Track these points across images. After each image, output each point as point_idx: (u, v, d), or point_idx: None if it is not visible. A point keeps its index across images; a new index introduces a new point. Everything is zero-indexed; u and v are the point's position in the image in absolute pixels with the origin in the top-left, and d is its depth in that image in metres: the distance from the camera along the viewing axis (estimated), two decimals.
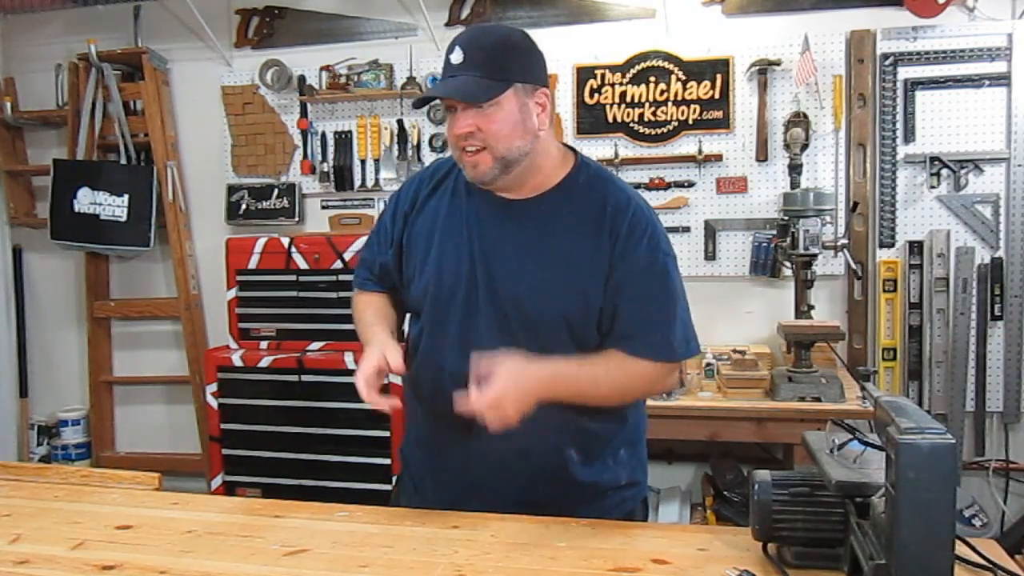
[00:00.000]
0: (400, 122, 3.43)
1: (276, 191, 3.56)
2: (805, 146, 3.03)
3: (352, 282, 1.67)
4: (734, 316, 3.21)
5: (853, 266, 2.97)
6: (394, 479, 2.97)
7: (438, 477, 1.56)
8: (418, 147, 3.42)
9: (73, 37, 3.66)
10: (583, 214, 1.46)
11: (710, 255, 3.20)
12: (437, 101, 1.64)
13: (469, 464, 1.50)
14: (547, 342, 1.43)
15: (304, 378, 3.11)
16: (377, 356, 1.42)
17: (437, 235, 1.51)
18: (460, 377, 1.42)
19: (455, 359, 1.46)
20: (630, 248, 1.44)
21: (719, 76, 3.14)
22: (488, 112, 1.38)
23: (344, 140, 3.49)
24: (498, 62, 1.39)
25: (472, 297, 1.46)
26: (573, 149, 1.55)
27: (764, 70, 3.09)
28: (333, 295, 3.16)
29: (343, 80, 3.40)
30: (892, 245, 3.09)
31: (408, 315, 1.63)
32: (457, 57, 1.39)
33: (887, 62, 3.03)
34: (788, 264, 2.94)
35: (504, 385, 1.29)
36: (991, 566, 1.13)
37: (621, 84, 3.22)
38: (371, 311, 1.59)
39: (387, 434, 3.00)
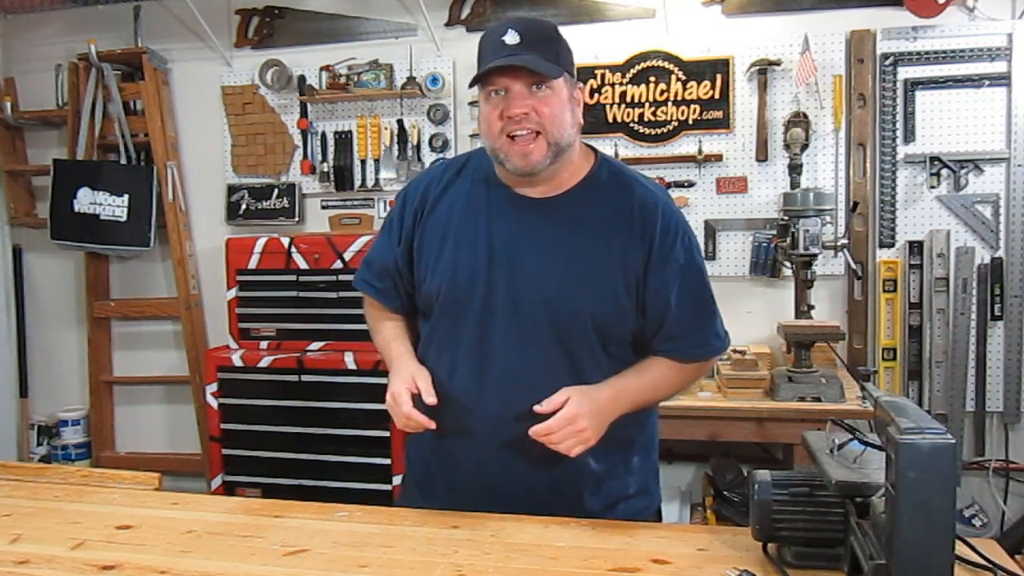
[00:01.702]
0: (400, 122, 3.43)
1: (276, 191, 3.56)
2: (805, 146, 3.03)
3: (354, 281, 1.63)
4: (734, 316, 3.15)
5: (853, 266, 2.97)
6: (396, 479, 2.99)
7: (449, 484, 1.52)
8: (418, 147, 3.42)
9: (73, 37, 3.66)
10: (610, 213, 1.43)
11: (710, 255, 3.20)
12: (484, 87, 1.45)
13: (481, 472, 1.47)
14: (571, 346, 1.41)
15: (304, 378, 3.11)
16: (407, 382, 1.41)
17: (452, 233, 1.47)
18: (473, 382, 1.43)
19: (469, 362, 1.43)
20: (666, 249, 1.42)
21: (719, 76, 3.14)
22: (544, 96, 1.36)
23: (344, 140, 3.49)
24: (554, 48, 1.39)
25: (490, 299, 1.42)
26: (591, 146, 1.53)
27: (764, 70, 3.09)
28: (333, 295, 3.16)
29: (343, 80, 3.40)
30: (892, 245, 3.09)
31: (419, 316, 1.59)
32: (513, 38, 1.36)
33: (887, 62, 3.03)
34: (788, 264, 2.94)
35: (576, 411, 1.31)
36: (991, 566, 1.13)
37: (621, 84, 3.22)
38: (390, 325, 1.58)
39: (387, 434, 3.00)
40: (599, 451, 1.42)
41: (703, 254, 3.10)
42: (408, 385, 1.40)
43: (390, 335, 1.56)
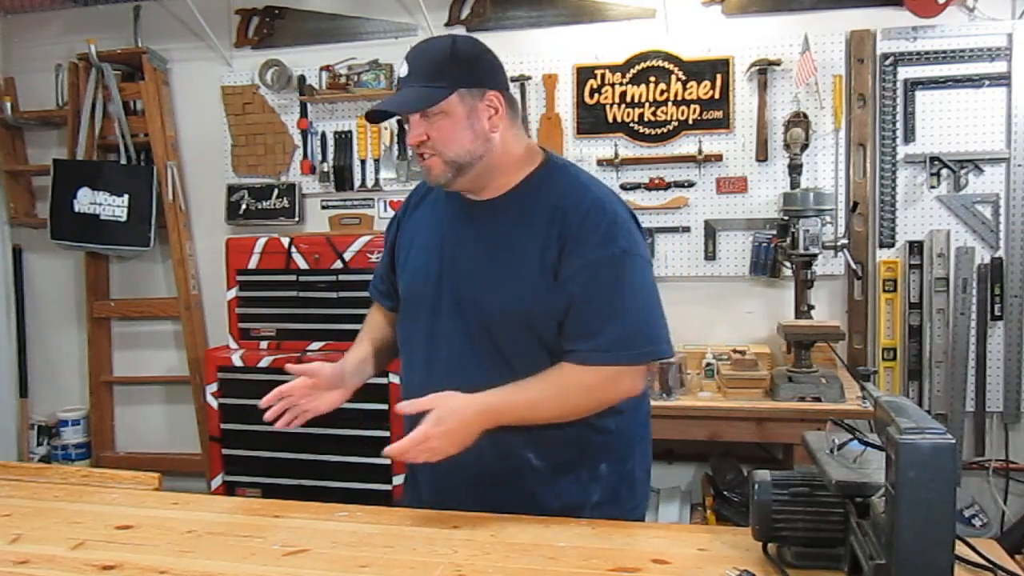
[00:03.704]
0: (400, 122, 3.43)
1: (276, 191, 3.56)
2: (805, 146, 3.03)
3: (369, 290, 1.78)
4: (734, 316, 3.21)
5: (853, 266, 2.97)
6: (396, 479, 2.99)
7: (422, 479, 1.60)
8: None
9: (73, 37, 3.66)
10: (536, 211, 1.46)
11: (710, 255, 3.20)
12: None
13: (437, 464, 1.49)
14: (507, 342, 1.45)
15: None
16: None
17: (418, 238, 1.58)
18: (424, 374, 1.50)
19: (421, 356, 1.52)
20: (579, 244, 1.41)
21: (719, 76, 3.14)
22: (434, 120, 1.43)
23: (344, 140, 3.49)
24: (440, 70, 1.43)
25: (437, 298, 1.50)
26: (544, 149, 1.56)
27: (764, 70, 3.09)
28: (333, 295, 3.16)
29: (343, 80, 3.40)
30: (892, 245, 3.09)
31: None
32: (404, 71, 1.45)
33: (887, 62, 3.03)
34: (788, 264, 2.94)
35: (429, 431, 1.33)
36: (991, 566, 1.13)
37: (621, 84, 3.22)
38: (365, 329, 1.71)
39: (387, 434, 3.00)
40: (540, 448, 1.47)
41: (696, 258, 3.18)
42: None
43: (359, 337, 1.70)
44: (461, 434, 1.36)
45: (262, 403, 1.52)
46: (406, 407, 1.38)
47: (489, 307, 1.45)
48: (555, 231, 1.43)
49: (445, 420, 1.35)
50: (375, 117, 1.51)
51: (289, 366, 1.58)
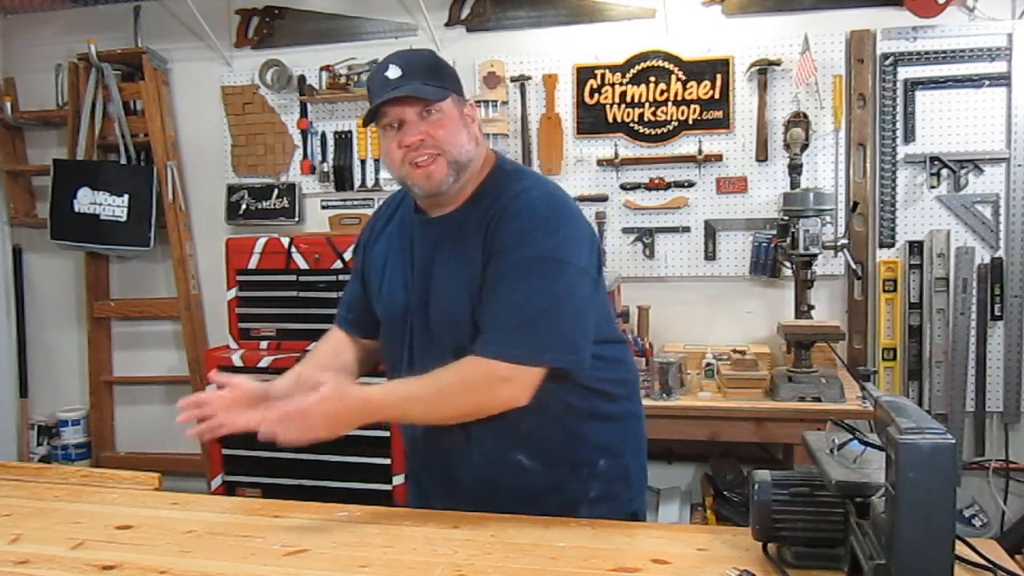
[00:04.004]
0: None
1: (276, 191, 3.56)
2: (805, 146, 3.02)
3: (335, 320, 1.75)
4: (734, 316, 3.21)
5: (853, 266, 2.97)
6: (396, 479, 3.00)
7: (424, 484, 1.61)
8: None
9: (73, 37, 3.65)
10: (481, 216, 1.45)
11: (710, 255, 3.20)
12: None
13: (432, 473, 1.56)
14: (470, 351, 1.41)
15: None
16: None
17: (388, 262, 1.57)
18: None
19: (405, 376, 1.49)
20: (499, 249, 1.39)
21: (719, 76, 3.14)
22: (435, 119, 1.42)
23: (344, 140, 3.49)
24: (435, 73, 1.45)
25: (413, 318, 1.50)
26: (497, 154, 1.56)
27: (764, 70, 3.09)
28: (333, 295, 3.15)
29: (343, 80, 3.40)
30: (892, 245, 3.09)
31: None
32: (394, 72, 1.42)
33: (887, 62, 3.03)
34: (788, 264, 2.94)
35: (297, 409, 1.31)
36: (991, 566, 1.13)
37: (621, 84, 3.21)
38: (313, 355, 1.67)
39: (387, 434, 3.00)
40: (530, 448, 1.47)
41: (696, 258, 3.19)
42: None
43: (306, 360, 1.65)
44: (340, 418, 1.34)
45: (180, 403, 1.44)
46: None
47: (451, 323, 1.45)
48: (481, 241, 1.43)
49: (329, 396, 1.32)
50: (373, 117, 1.46)
51: (212, 374, 1.49)
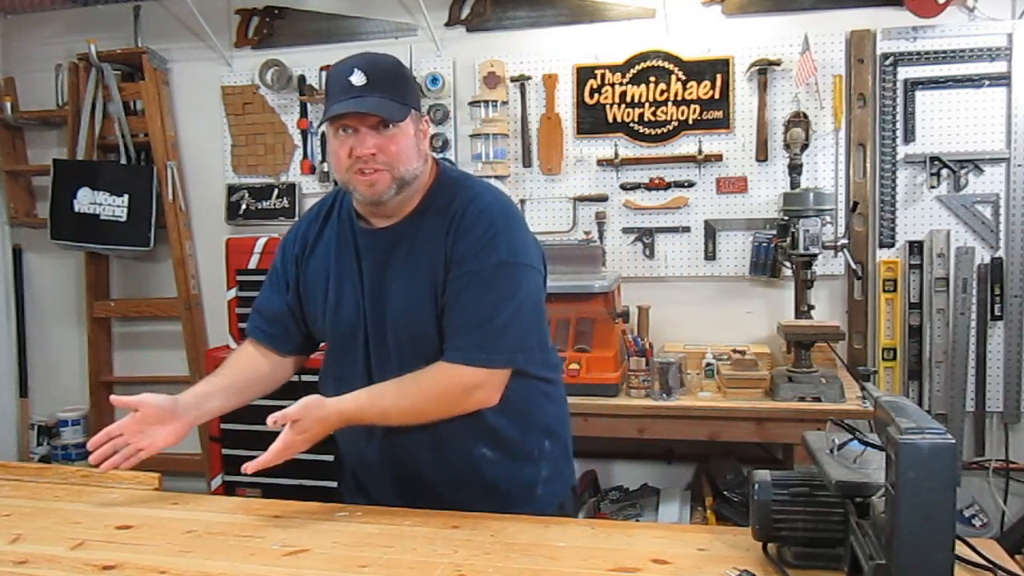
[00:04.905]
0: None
1: (276, 191, 3.56)
2: (805, 146, 3.02)
3: (246, 330, 1.68)
4: (734, 316, 3.20)
5: (853, 266, 2.97)
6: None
7: (362, 475, 1.63)
8: None
9: (73, 37, 3.65)
10: (436, 224, 1.46)
11: (710, 255, 3.20)
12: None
13: (383, 465, 1.55)
14: (430, 361, 1.43)
15: (304, 378, 3.09)
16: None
17: (332, 272, 1.54)
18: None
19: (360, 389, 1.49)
20: (460, 258, 1.42)
21: (719, 76, 3.14)
22: (391, 135, 1.41)
23: None
24: (399, 87, 1.43)
25: (368, 330, 1.49)
26: (437, 161, 1.56)
27: (764, 70, 3.09)
28: None
29: None
30: (892, 245, 3.09)
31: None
32: (359, 79, 1.39)
33: (887, 62, 3.03)
34: (788, 264, 2.94)
35: (292, 439, 1.37)
36: (991, 566, 1.13)
37: (621, 84, 3.22)
38: (224, 367, 1.65)
39: None
40: (491, 440, 1.49)
41: (696, 258, 3.18)
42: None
43: (209, 378, 1.64)
44: (319, 436, 1.41)
45: (89, 444, 1.46)
46: (277, 417, 1.37)
47: (409, 332, 1.46)
48: (443, 250, 1.44)
49: (310, 428, 1.38)
50: (334, 120, 1.42)
51: (113, 398, 1.52)
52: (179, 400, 1.52)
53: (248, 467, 1.36)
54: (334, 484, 3.03)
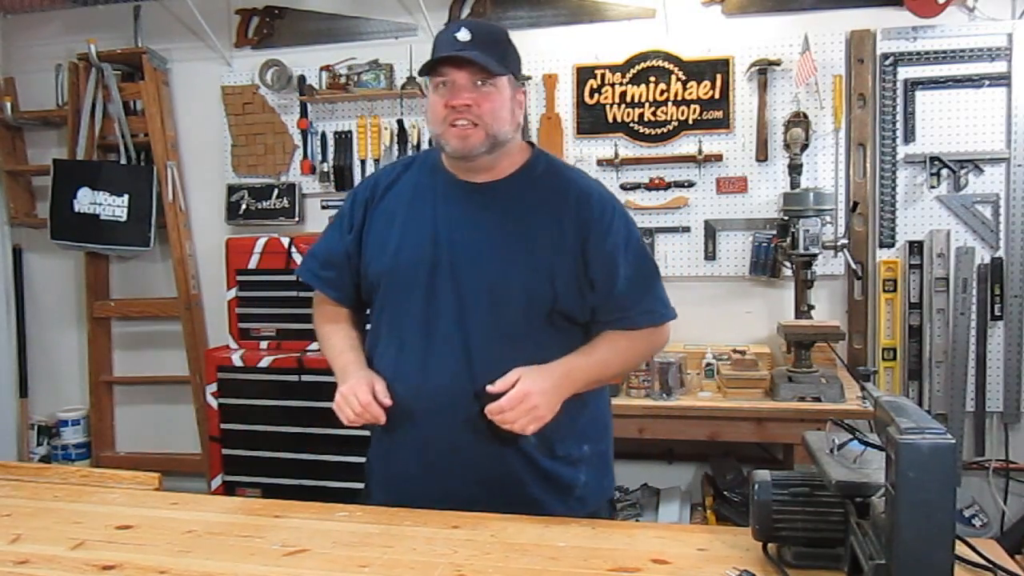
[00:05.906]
0: (400, 122, 3.43)
1: (276, 191, 3.56)
2: (805, 146, 3.02)
3: (297, 271, 1.71)
4: (734, 316, 3.20)
5: (853, 266, 2.97)
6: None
7: (395, 486, 1.56)
8: (418, 147, 3.41)
9: (73, 37, 3.65)
10: (546, 198, 1.51)
11: (710, 255, 3.20)
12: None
13: (429, 461, 1.51)
14: (510, 322, 1.47)
15: (304, 378, 3.11)
16: (366, 381, 1.48)
17: (400, 218, 1.55)
18: (419, 358, 1.48)
19: (415, 339, 1.49)
20: (604, 231, 1.50)
21: (719, 76, 3.14)
22: (487, 92, 1.45)
23: (344, 140, 3.49)
24: (501, 50, 1.48)
25: (435, 277, 1.49)
26: (531, 142, 1.62)
27: (764, 70, 3.09)
28: None
29: (343, 80, 3.40)
30: (892, 245, 3.09)
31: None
32: (465, 35, 1.44)
33: (887, 62, 3.03)
34: (788, 264, 2.94)
35: (527, 388, 1.37)
36: (991, 566, 1.13)
37: (621, 84, 3.22)
38: (342, 335, 1.62)
39: None
40: (544, 436, 1.48)
41: (696, 258, 3.21)
42: (368, 384, 1.47)
43: (343, 344, 1.61)
44: (556, 396, 1.42)
45: (368, 406, 1.46)
46: (497, 386, 1.39)
47: (497, 288, 1.47)
48: (571, 220, 1.49)
49: (538, 383, 1.40)
50: (431, 66, 1.46)
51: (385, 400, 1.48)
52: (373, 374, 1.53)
53: (488, 408, 1.39)
54: (334, 484, 3.06)
